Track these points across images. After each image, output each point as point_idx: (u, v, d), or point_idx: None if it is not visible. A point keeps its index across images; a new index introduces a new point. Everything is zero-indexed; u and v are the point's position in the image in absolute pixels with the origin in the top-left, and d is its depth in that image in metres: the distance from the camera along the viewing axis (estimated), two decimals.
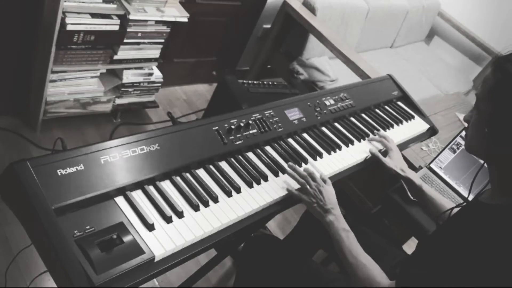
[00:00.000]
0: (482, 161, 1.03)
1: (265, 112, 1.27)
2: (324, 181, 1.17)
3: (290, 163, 1.20)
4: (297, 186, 1.16)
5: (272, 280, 1.31)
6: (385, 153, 1.44)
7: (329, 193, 1.15)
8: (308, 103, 1.41)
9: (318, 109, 1.42)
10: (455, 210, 1.18)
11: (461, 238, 0.91)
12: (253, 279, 1.37)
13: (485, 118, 0.91)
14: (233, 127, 1.15)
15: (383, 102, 1.70)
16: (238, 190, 1.06)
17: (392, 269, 1.07)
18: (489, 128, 0.90)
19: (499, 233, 0.86)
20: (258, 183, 1.11)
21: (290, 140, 1.31)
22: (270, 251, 1.37)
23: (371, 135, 1.50)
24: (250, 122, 1.21)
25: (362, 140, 1.46)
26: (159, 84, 2.33)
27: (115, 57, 2.02)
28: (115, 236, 0.81)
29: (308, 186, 1.14)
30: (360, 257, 1.05)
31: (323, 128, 1.42)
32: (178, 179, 1.01)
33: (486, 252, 0.85)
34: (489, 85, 0.91)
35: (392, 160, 1.38)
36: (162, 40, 2.13)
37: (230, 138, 1.14)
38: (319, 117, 1.41)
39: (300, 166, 1.23)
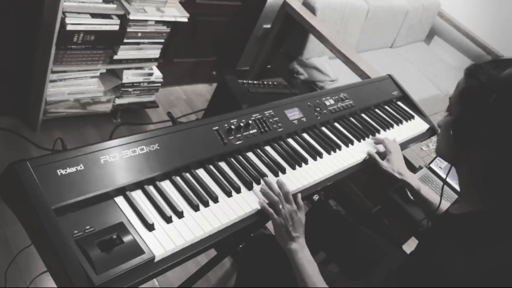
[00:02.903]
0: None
1: (265, 112, 1.27)
2: (298, 204, 1.10)
3: (266, 178, 1.12)
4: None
5: (273, 279, 1.31)
6: (384, 155, 1.43)
7: (300, 221, 1.08)
8: (308, 103, 1.41)
9: (318, 109, 1.42)
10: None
11: (431, 252, 0.91)
12: (254, 278, 1.37)
13: (452, 120, 0.93)
14: (233, 127, 1.15)
15: (383, 102, 1.70)
16: (238, 190, 1.06)
17: (392, 272, 1.06)
18: (453, 130, 0.92)
19: (464, 244, 0.85)
20: (258, 183, 1.11)
21: (290, 140, 1.31)
22: (270, 251, 1.37)
23: (370, 138, 1.49)
24: (250, 122, 1.21)
25: (362, 140, 1.46)
26: (159, 84, 2.33)
27: (115, 57, 2.02)
28: (115, 236, 0.81)
29: (280, 207, 1.07)
30: None
31: (323, 128, 1.42)
32: (178, 179, 1.01)
33: (453, 265, 0.83)
34: (459, 90, 0.93)
35: (389, 163, 1.37)
36: (162, 40, 2.13)
37: (230, 138, 1.14)
38: (319, 117, 1.41)
39: (300, 166, 1.23)
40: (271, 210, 1.06)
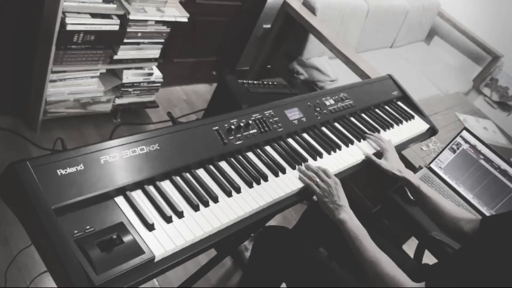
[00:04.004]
0: (483, 163, 1.03)
1: (265, 112, 1.27)
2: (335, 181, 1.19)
3: (307, 164, 1.23)
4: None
5: (284, 271, 1.34)
6: (381, 154, 1.43)
7: (342, 191, 1.17)
8: (308, 103, 1.41)
9: (318, 109, 1.42)
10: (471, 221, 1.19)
11: (502, 252, 0.90)
12: (265, 270, 1.40)
13: None
14: (233, 127, 1.15)
15: (383, 102, 1.70)
16: (238, 190, 1.06)
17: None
18: None
19: None
20: (258, 183, 1.11)
21: (290, 140, 1.31)
22: (281, 242, 1.39)
23: (366, 135, 1.49)
24: (250, 122, 1.20)
25: (362, 140, 1.46)
26: (159, 84, 2.33)
27: (115, 57, 2.02)
28: (115, 236, 0.81)
29: (320, 181, 1.16)
30: (379, 254, 1.06)
31: (323, 128, 1.42)
32: (178, 179, 1.01)
33: None
34: None
35: (388, 162, 1.37)
36: (162, 40, 2.13)
37: (230, 138, 1.14)
38: (319, 117, 1.41)
39: (300, 166, 1.23)
40: (315, 187, 1.15)
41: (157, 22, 2.03)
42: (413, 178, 1.35)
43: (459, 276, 0.92)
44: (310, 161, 1.26)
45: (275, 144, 1.26)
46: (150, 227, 0.87)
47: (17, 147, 2.00)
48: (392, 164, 1.37)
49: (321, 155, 1.30)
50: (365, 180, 2.33)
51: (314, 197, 1.18)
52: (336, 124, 1.47)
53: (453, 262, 1.01)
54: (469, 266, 0.94)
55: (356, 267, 1.41)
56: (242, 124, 1.17)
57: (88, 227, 0.81)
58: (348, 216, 1.13)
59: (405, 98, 1.81)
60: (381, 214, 2.06)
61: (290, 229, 1.57)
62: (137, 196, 0.92)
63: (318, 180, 1.17)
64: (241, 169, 1.12)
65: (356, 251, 1.09)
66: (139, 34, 2.01)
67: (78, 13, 1.76)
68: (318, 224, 1.49)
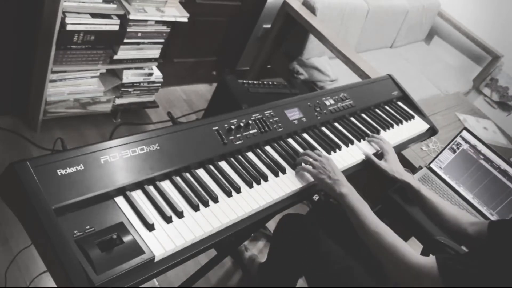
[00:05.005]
0: (483, 163, 1.04)
1: (265, 112, 1.27)
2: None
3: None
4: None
5: (302, 258, 1.38)
6: (381, 155, 1.43)
7: (335, 165, 1.19)
8: (308, 103, 1.41)
9: (318, 109, 1.42)
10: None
11: None
12: (285, 257, 1.45)
13: None
14: (233, 127, 1.15)
15: (383, 102, 1.70)
16: (238, 190, 1.06)
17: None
18: None
19: None
20: (258, 183, 1.11)
21: (290, 140, 1.31)
22: (300, 231, 1.42)
23: (367, 137, 1.49)
24: (250, 122, 1.20)
25: (362, 140, 1.46)
26: (159, 84, 2.33)
27: (115, 57, 2.02)
28: (115, 236, 0.81)
29: (313, 161, 1.18)
30: (379, 225, 1.07)
31: (323, 128, 1.42)
32: (178, 179, 1.01)
33: None
34: None
35: (388, 163, 1.37)
36: (162, 40, 2.13)
37: (230, 138, 1.14)
38: (319, 117, 1.41)
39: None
40: (308, 166, 1.17)
41: (157, 22, 2.03)
42: (413, 181, 1.35)
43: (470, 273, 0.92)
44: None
45: (275, 144, 1.26)
46: (150, 227, 0.87)
47: (17, 147, 2.00)
48: (391, 166, 1.37)
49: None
50: (365, 180, 2.33)
51: (314, 197, 1.19)
52: (336, 124, 1.47)
53: (464, 259, 1.01)
54: (478, 268, 0.93)
55: (369, 259, 1.42)
56: (242, 124, 1.17)
57: (88, 227, 0.81)
58: (347, 189, 1.14)
59: (405, 98, 1.81)
60: (381, 214, 2.05)
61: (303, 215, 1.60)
62: (137, 196, 0.92)
63: (311, 160, 1.19)
64: (241, 169, 1.12)
65: (359, 224, 1.09)
66: (139, 34, 2.01)
67: (78, 13, 1.76)
68: (319, 224, 1.50)
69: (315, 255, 1.36)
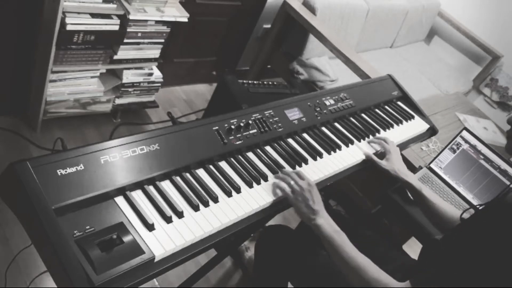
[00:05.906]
0: (483, 163, 1.03)
1: (265, 112, 1.27)
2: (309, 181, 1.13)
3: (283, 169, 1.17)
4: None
5: (289, 269, 1.33)
6: (381, 155, 1.43)
7: (317, 194, 1.11)
8: (308, 103, 1.41)
9: (318, 109, 1.42)
10: (465, 214, 1.17)
11: (483, 241, 0.89)
12: (271, 268, 1.39)
13: None
14: (233, 127, 1.15)
15: (383, 102, 1.70)
16: (238, 190, 1.06)
17: (391, 273, 1.06)
18: None
19: None
20: (258, 183, 1.11)
21: (290, 140, 1.31)
22: (284, 241, 1.38)
23: (370, 138, 1.49)
24: (250, 122, 1.20)
25: (362, 140, 1.46)
26: (159, 84, 2.33)
27: (115, 57, 2.02)
28: (115, 236, 0.81)
29: (293, 184, 1.10)
30: (359, 258, 1.03)
31: (323, 128, 1.42)
32: (178, 179, 1.01)
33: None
34: None
35: (389, 163, 1.36)
36: (162, 40, 2.13)
37: (230, 138, 1.14)
38: (319, 117, 1.41)
39: (300, 166, 1.23)
40: (288, 189, 1.09)
41: (157, 22, 2.03)
42: (415, 181, 1.34)
43: (443, 274, 0.92)
44: (310, 161, 1.27)
45: (275, 144, 1.26)
46: (150, 227, 0.87)
47: (17, 147, 2.00)
48: (393, 165, 1.36)
49: (321, 155, 1.30)
50: (365, 180, 2.33)
51: None
52: (336, 124, 1.47)
53: (435, 256, 1.00)
54: (452, 261, 0.93)
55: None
56: (242, 124, 1.17)
57: (88, 227, 0.81)
58: (324, 220, 1.07)
59: (405, 98, 1.81)
60: (381, 214, 2.05)
61: (293, 228, 1.57)
62: (137, 196, 0.92)
63: (292, 182, 1.11)
64: (241, 169, 1.12)
65: (337, 258, 1.04)
66: (139, 34, 2.01)
67: (78, 13, 1.76)
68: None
69: (301, 266, 1.33)
